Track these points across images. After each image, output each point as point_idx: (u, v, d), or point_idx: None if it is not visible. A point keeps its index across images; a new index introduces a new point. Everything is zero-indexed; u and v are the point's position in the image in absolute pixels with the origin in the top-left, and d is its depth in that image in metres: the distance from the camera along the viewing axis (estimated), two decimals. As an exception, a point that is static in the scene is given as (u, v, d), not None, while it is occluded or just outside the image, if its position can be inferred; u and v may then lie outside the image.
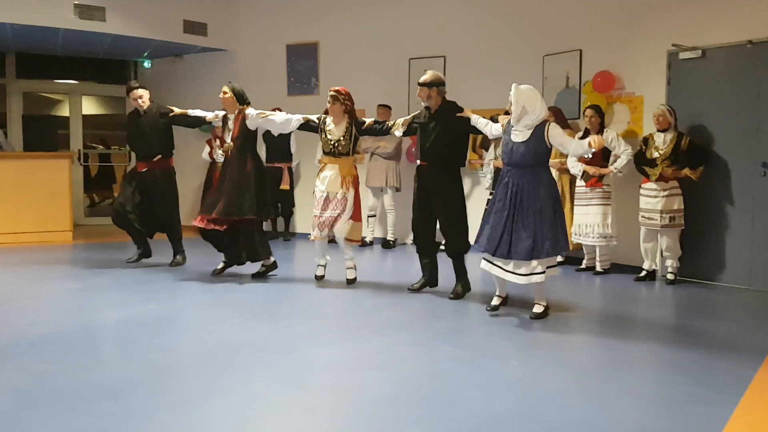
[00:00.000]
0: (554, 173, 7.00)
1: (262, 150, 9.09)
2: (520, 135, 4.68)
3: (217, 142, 9.16)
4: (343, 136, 5.78)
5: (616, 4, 7.17)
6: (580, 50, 7.45)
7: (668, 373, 3.73)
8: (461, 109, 5.40)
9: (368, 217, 8.65)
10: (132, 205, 6.51)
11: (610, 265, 6.80)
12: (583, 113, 6.76)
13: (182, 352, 3.91)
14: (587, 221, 6.66)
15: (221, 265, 6.35)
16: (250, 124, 6.04)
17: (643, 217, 6.36)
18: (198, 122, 6.57)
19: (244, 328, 4.49)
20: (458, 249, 5.48)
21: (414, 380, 3.47)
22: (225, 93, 6.07)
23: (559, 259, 6.85)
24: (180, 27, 9.16)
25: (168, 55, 10.37)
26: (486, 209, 5.66)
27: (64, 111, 11.26)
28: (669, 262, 6.37)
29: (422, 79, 5.41)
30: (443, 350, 4.00)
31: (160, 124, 6.55)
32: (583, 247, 6.88)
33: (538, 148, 4.64)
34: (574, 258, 7.14)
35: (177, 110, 6.59)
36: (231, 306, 5.19)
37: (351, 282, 6.02)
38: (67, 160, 8.73)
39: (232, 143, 6.03)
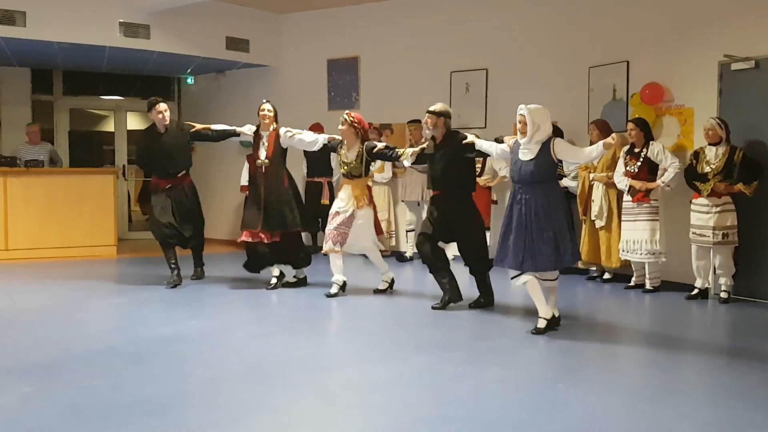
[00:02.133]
0: (600, 188, 6.95)
1: (303, 165, 9.21)
2: (528, 153, 4.89)
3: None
4: (355, 160, 6.12)
5: (665, 14, 7.07)
6: (627, 61, 7.37)
7: (725, 397, 3.64)
8: (465, 137, 5.63)
9: (407, 231, 8.67)
10: (168, 222, 6.55)
11: (660, 282, 6.67)
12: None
13: (228, 369, 3.97)
14: (635, 237, 6.55)
15: (275, 280, 6.54)
16: (283, 143, 6.40)
17: (694, 233, 6.23)
18: (223, 136, 6.73)
19: (288, 345, 4.54)
20: (481, 269, 5.79)
21: (461, 401, 3.46)
22: (270, 111, 6.40)
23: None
24: (222, 43, 9.36)
25: (211, 72, 10.60)
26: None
27: (110, 127, 11.59)
28: (722, 280, 6.22)
29: (433, 108, 5.72)
30: (489, 370, 3.98)
31: (182, 140, 6.62)
32: (632, 264, 6.76)
33: (545, 164, 4.85)
34: (622, 275, 7.03)
35: (198, 125, 6.73)
36: (275, 322, 5.25)
37: (380, 292, 6.34)
38: (112, 176, 8.98)
39: (267, 160, 6.32)
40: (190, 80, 11.20)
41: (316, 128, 9.11)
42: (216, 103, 10.71)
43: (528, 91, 8.06)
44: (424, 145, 5.89)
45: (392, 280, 6.42)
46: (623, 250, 6.66)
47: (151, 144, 6.60)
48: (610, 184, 6.87)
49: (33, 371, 3.87)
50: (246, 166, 9.48)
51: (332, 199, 9.19)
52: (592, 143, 7.19)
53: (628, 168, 6.61)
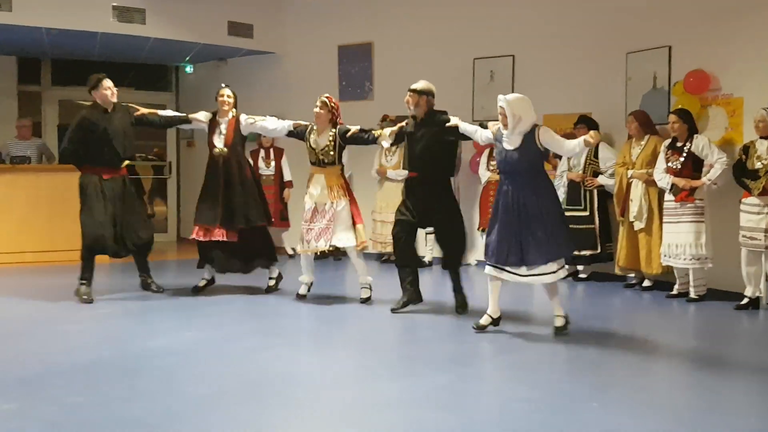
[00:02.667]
0: (640, 186, 6.87)
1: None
2: (512, 141, 5.06)
3: (262, 153, 9.32)
4: (328, 146, 6.15)
5: (711, -6, 6.99)
6: (669, 47, 7.28)
7: (778, 420, 3.56)
8: (448, 119, 5.72)
9: (426, 234, 8.63)
10: (110, 221, 6.16)
11: (706, 290, 6.57)
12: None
13: (224, 385, 3.95)
14: (678, 241, 6.47)
15: (204, 282, 6.64)
16: (243, 130, 6.48)
17: (744, 236, 6.14)
18: (170, 123, 6.74)
19: (290, 359, 4.52)
20: (457, 262, 5.88)
21: (482, 423, 3.41)
22: (230, 97, 6.49)
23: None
24: (224, 29, 9.39)
25: (211, 60, 10.64)
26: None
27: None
28: (775, 289, 6.12)
29: (414, 85, 5.82)
30: (513, 388, 3.93)
31: (129, 125, 6.33)
32: (674, 271, 6.68)
33: (531, 153, 5.03)
34: (664, 283, 6.94)
35: (144, 110, 6.53)
36: (276, 334, 5.23)
37: (365, 301, 6.27)
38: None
39: (226, 149, 6.37)
40: (189, 69, 11.25)
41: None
42: (216, 92, 10.71)
43: (559, 79, 8.02)
44: (403, 124, 5.99)
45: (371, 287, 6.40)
46: (665, 255, 6.59)
47: (94, 126, 6.12)
48: (650, 182, 6.80)
49: (14, 386, 3.88)
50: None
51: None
52: (630, 137, 7.13)
53: (670, 164, 6.53)
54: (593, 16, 7.90)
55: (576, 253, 7.47)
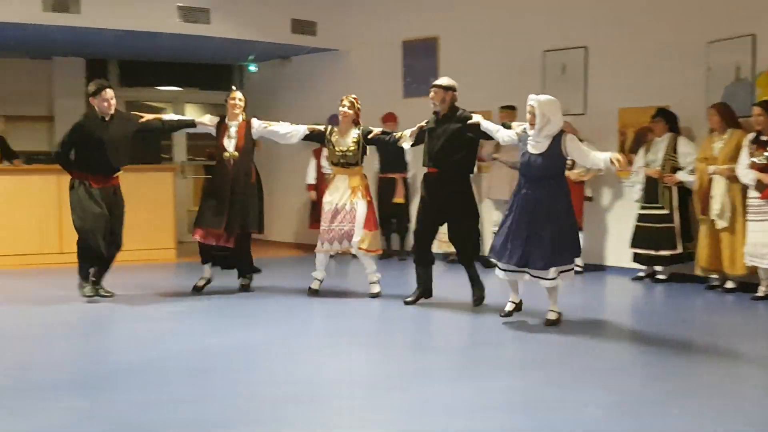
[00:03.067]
0: (722, 183, 6.66)
1: (375, 160, 9.23)
2: (538, 146, 5.20)
3: (324, 152, 9.39)
4: (352, 146, 6.31)
5: (800, -23, 6.72)
6: (753, 35, 7.03)
7: None
8: (470, 116, 5.87)
9: (493, 233, 8.55)
10: (102, 219, 6.17)
11: (796, 294, 6.33)
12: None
13: (293, 386, 4.00)
14: (763, 240, 6.27)
15: (203, 281, 6.73)
16: (255, 134, 6.53)
17: (838, 235, 5.88)
18: (175, 128, 6.79)
19: (354, 361, 4.56)
20: (471, 256, 6.06)
21: (556, 429, 3.37)
22: (240, 100, 6.54)
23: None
24: (288, 27, 9.51)
25: (274, 58, 10.79)
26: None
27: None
28: None
29: (439, 81, 6.02)
30: (588, 393, 3.86)
31: (128, 133, 6.31)
32: (759, 272, 6.45)
33: (555, 159, 5.19)
34: (748, 284, 6.71)
35: (148, 116, 6.55)
36: (338, 334, 5.28)
37: (375, 296, 6.44)
38: (170, 173, 9.26)
39: (237, 153, 6.41)
40: (252, 68, 11.42)
41: (390, 118, 9.13)
42: (281, 92, 10.89)
43: (635, 71, 7.84)
44: (422, 124, 6.15)
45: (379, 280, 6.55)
46: (749, 255, 6.40)
47: (89, 134, 6.09)
48: (733, 178, 6.59)
49: (84, 385, 4.02)
50: (313, 162, 9.65)
51: (407, 197, 9.21)
52: (712, 131, 6.93)
53: (754, 159, 6.33)
54: (671, 4, 7.68)
55: (654, 253, 7.31)
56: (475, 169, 8.47)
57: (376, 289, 6.50)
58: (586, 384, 4.03)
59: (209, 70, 11.60)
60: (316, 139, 6.65)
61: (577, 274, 7.86)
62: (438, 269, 8.34)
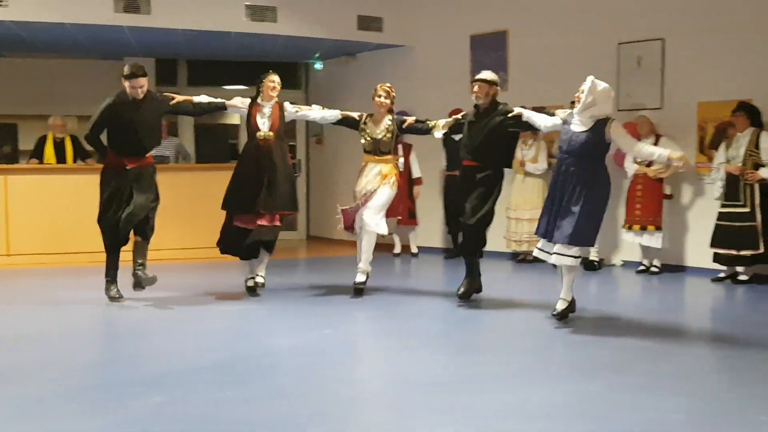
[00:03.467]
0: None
1: (442, 156, 9.21)
2: (581, 124, 5.28)
3: (400, 150, 9.40)
4: (386, 134, 6.43)
5: None
6: None
7: None
8: (511, 109, 5.95)
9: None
10: (119, 217, 6.16)
11: None
12: None
13: (365, 386, 4.03)
14: None
15: (252, 281, 6.58)
16: (287, 117, 6.52)
17: None
18: (206, 110, 6.69)
19: (430, 362, 4.55)
20: (468, 244, 6.12)
21: (639, 435, 3.30)
22: (278, 83, 6.51)
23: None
24: (354, 24, 9.56)
25: (340, 55, 10.87)
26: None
27: (235, 119, 12.18)
28: None
29: (482, 75, 6.06)
30: (672, 399, 3.77)
31: (159, 112, 6.39)
32: None
33: (597, 140, 5.24)
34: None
35: (179, 97, 6.53)
36: (413, 335, 5.28)
37: (358, 286, 6.49)
38: (237, 172, 9.39)
39: (272, 133, 6.37)
40: (318, 65, 11.54)
41: (457, 114, 9.06)
42: (346, 89, 10.96)
43: (714, 63, 7.61)
44: (459, 116, 6.32)
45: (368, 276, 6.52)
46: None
47: (120, 116, 6.07)
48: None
49: (162, 381, 4.12)
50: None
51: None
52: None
53: None
54: (756, -7, 7.43)
55: (735, 253, 7.09)
56: (545, 165, 8.48)
57: (361, 278, 6.50)
58: (665, 389, 3.93)
59: (275, 69, 11.66)
60: (349, 124, 6.69)
61: (654, 274, 7.73)
62: (505, 270, 8.31)
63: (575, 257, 5.29)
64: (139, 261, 6.28)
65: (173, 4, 8.61)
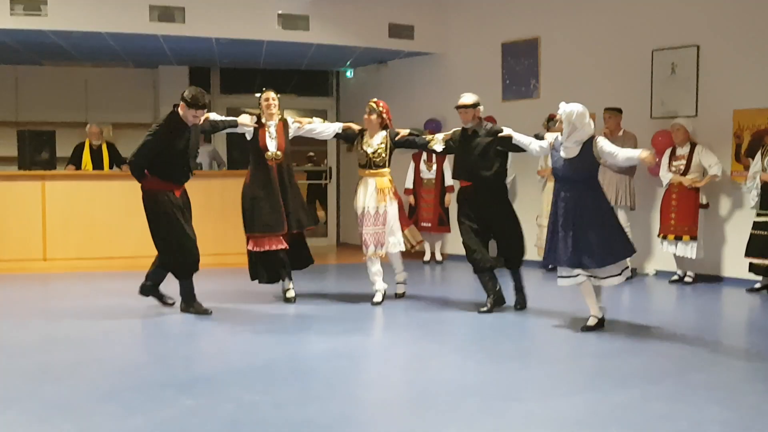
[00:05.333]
0: None
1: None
2: (569, 151, 5.40)
3: (424, 156, 9.42)
4: (381, 148, 6.43)
5: None
6: None
7: None
8: (500, 129, 6.08)
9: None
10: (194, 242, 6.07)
11: None
12: None
13: (394, 392, 4.03)
14: None
15: (292, 292, 6.64)
16: (291, 134, 6.53)
17: None
18: (220, 128, 6.52)
19: (460, 368, 4.54)
20: (519, 261, 6.23)
21: (672, 445, 3.25)
22: (275, 99, 6.49)
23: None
24: (385, 31, 9.59)
25: (371, 63, 10.91)
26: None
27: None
28: None
29: (464, 101, 6.20)
30: (707, 410, 3.71)
31: (198, 139, 6.25)
32: None
33: (588, 162, 5.39)
34: None
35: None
36: (443, 341, 5.27)
37: (400, 296, 6.74)
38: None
39: (280, 153, 6.39)
40: (349, 73, 11.59)
41: (489, 122, 9.05)
42: (377, 97, 10.90)
43: (751, 70, 7.51)
44: (450, 133, 6.42)
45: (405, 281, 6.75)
46: None
47: (177, 139, 5.81)
48: None
49: (194, 384, 4.16)
50: (412, 166, 9.68)
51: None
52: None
53: None
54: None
55: (773, 263, 6.97)
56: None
57: (401, 289, 6.74)
58: (699, 400, 3.88)
59: (306, 76, 11.84)
60: (347, 139, 6.81)
61: (687, 284, 7.62)
62: (535, 278, 8.26)
63: (618, 275, 5.44)
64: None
65: (207, 13, 8.73)
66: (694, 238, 7.45)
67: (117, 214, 8.72)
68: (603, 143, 5.38)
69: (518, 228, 6.22)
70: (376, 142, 6.50)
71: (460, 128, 6.33)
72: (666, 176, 7.65)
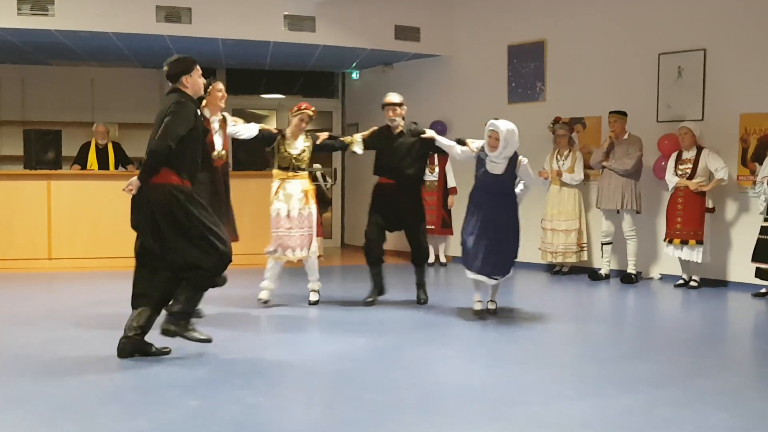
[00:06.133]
0: None
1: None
2: (498, 167, 5.81)
3: (435, 160, 9.36)
4: (304, 151, 6.33)
5: None
6: None
7: None
8: (423, 130, 6.41)
9: (602, 244, 8.32)
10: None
11: None
12: None
13: (399, 394, 4.01)
14: None
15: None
16: (229, 132, 6.07)
17: None
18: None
19: (465, 372, 4.52)
20: (424, 259, 6.64)
21: (678, 451, 3.23)
22: (223, 91, 5.87)
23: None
24: (391, 33, 9.58)
25: (376, 65, 10.90)
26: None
27: (271, 127, 12.28)
28: None
29: (392, 98, 6.44)
30: (713, 416, 3.69)
31: None
32: None
33: (512, 178, 5.90)
34: None
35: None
36: (449, 344, 5.25)
37: (314, 304, 6.52)
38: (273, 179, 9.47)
39: (224, 151, 5.87)
40: (354, 75, 11.58)
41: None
42: (382, 99, 10.96)
43: (759, 74, 7.48)
44: (374, 129, 6.55)
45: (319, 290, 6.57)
46: None
47: (199, 122, 4.87)
48: None
49: (197, 385, 4.15)
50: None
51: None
52: None
53: None
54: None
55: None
56: (581, 176, 8.40)
57: (315, 297, 6.55)
58: (705, 406, 3.85)
59: (312, 78, 11.84)
60: (266, 140, 6.33)
61: (693, 288, 7.58)
62: (540, 281, 8.25)
63: (508, 278, 6.10)
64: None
65: (213, 14, 8.72)
66: (700, 242, 7.41)
67: (122, 214, 8.68)
68: (526, 166, 5.87)
69: (425, 229, 6.58)
70: (300, 145, 6.34)
71: (380, 126, 6.53)
72: (672, 180, 7.62)
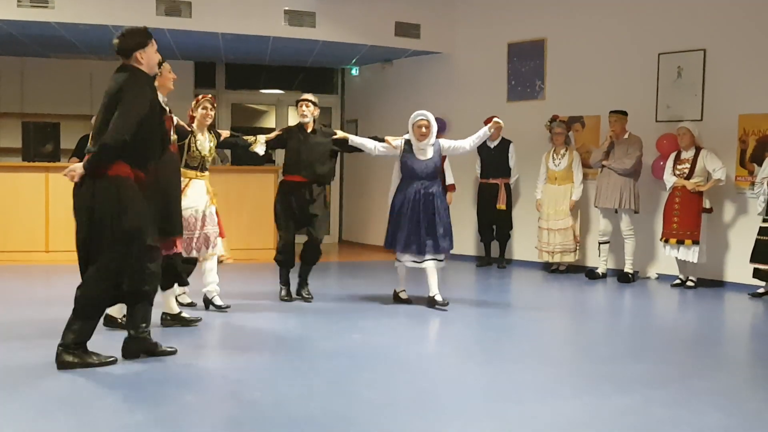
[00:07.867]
0: None
1: (476, 164, 9.18)
2: (426, 153, 6.28)
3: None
4: (212, 149, 6.08)
5: None
6: None
7: None
8: (334, 132, 6.64)
9: (600, 244, 8.32)
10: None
11: None
12: None
13: (396, 391, 4.01)
14: None
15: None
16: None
17: None
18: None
19: (462, 369, 4.52)
20: (316, 258, 6.63)
21: (673, 451, 3.23)
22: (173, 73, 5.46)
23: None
24: (391, 30, 9.56)
25: (376, 61, 10.88)
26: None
27: (270, 122, 12.28)
28: None
29: (308, 96, 6.57)
30: (709, 416, 3.69)
31: None
32: None
33: (438, 161, 6.41)
34: None
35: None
36: (446, 342, 5.26)
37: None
38: (273, 175, 9.49)
39: (176, 136, 5.47)
40: (354, 71, 11.57)
41: (489, 122, 9.02)
42: (382, 95, 10.98)
43: (758, 75, 7.49)
44: (279, 132, 6.67)
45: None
46: None
47: (158, 111, 4.54)
48: None
49: (194, 380, 4.15)
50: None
51: (510, 203, 9.10)
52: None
53: None
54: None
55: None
56: (581, 176, 8.40)
57: (219, 300, 6.09)
58: (701, 406, 3.86)
59: (312, 73, 11.82)
60: (180, 135, 5.63)
61: (689, 288, 7.59)
62: (537, 280, 8.26)
63: (442, 260, 6.33)
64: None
65: (213, 8, 8.70)
66: (696, 242, 7.42)
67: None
68: (447, 141, 6.39)
69: (327, 228, 6.78)
70: (207, 144, 5.94)
71: (287, 127, 6.72)
72: (670, 180, 7.62)
